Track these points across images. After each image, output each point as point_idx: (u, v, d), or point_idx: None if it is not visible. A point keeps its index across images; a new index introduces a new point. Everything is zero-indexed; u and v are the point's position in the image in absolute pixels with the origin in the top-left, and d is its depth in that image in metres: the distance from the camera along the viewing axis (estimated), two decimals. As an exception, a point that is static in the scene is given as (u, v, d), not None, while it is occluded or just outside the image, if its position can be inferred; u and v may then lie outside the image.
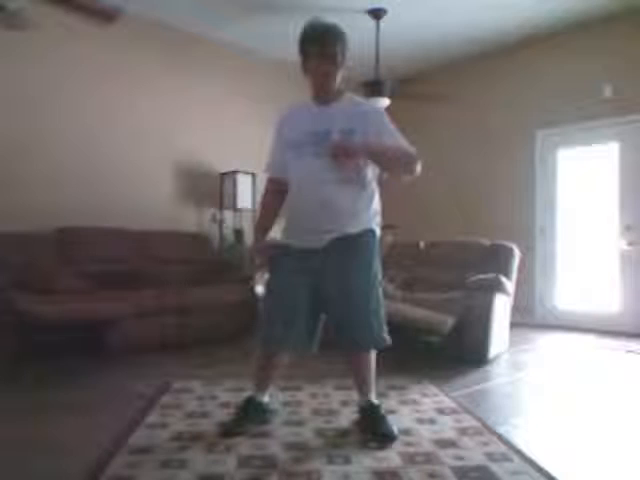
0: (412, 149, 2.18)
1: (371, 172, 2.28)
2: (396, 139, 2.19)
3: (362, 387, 2.31)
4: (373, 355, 2.30)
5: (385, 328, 2.27)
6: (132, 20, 4.97)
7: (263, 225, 2.41)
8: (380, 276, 2.30)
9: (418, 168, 2.18)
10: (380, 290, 2.28)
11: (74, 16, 3.28)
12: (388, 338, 2.27)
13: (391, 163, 2.26)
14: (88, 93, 4.81)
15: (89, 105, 4.82)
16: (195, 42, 5.52)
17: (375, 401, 2.31)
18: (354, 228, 2.20)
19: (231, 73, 5.83)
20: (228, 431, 2.23)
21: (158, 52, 5.25)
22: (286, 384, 2.91)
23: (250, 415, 2.30)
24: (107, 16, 3.34)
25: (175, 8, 4.94)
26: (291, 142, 2.26)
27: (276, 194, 2.40)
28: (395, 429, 2.19)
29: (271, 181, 2.43)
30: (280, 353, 2.33)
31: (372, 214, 2.28)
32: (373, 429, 2.19)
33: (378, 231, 2.31)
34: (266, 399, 2.39)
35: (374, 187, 2.31)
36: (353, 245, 2.20)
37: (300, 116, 2.30)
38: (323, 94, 2.25)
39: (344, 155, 2.08)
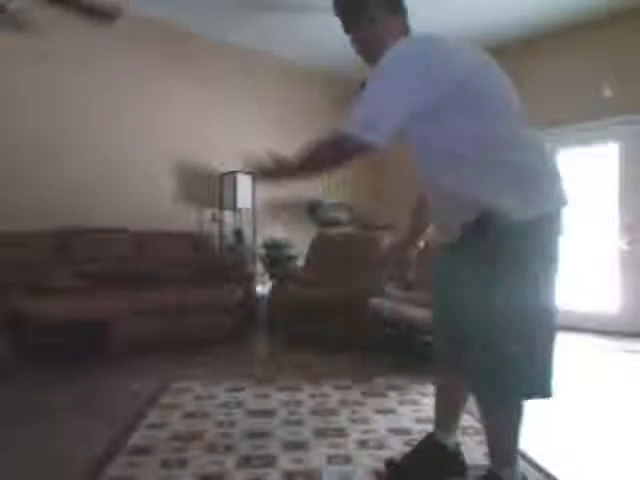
0: (337, 136, 1.52)
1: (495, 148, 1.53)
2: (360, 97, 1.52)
3: (491, 451, 1.67)
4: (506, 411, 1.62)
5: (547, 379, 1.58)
6: (134, 20, 4.97)
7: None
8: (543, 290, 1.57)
9: (342, 154, 1.56)
10: (542, 315, 1.56)
11: (74, 15, 3.28)
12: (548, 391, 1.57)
13: (301, 175, 1.70)
14: (89, 93, 4.80)
15: (90, 105, 4.82)
16: (197, 42, 5.52)
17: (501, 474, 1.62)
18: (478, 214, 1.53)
19: (232, 73, 5.83)
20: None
21: (159, 52, 5.25)
22: (285, 384, 2.92)
23: (426, 457, 1.84)
24: (107, 15, 3.35)
25: (177, 8, 4.94)
26: None
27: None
28: None
29: None
30: (452, 384, 1.84)
31: (519, 195, 1.50)
32: None
33: (525, 216, 1.50)
34: (451, 442, 1.88)
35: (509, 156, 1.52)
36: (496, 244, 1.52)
37: None
38: (370, 64, 1.68)
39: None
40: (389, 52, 1.51)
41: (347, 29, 1.77)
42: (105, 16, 3.34)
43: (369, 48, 1.72)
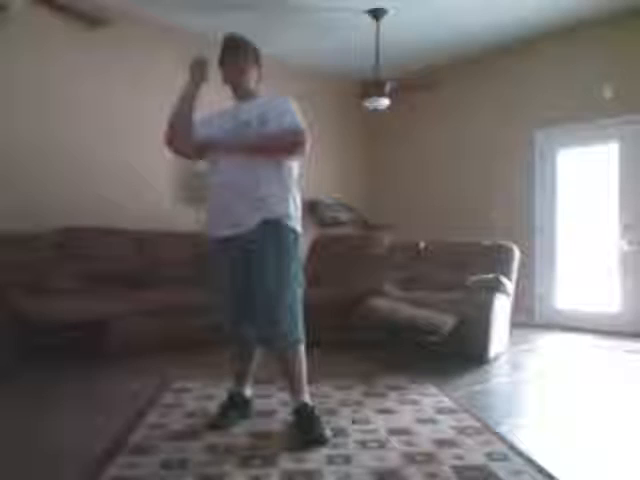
0: (301, 129, 2.26)
1: (292, 169, 2.36)
2: (293, 118, 2.29)
3: (292, 387, 2.25)
4: (298, 353, 2.23)
5: (300, 327, 2.23)
6: (131, 19, 4.97)
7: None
8: (300, 274, 2.29)
9: (306, 148, 2.27)
10: (298, 288, 2.26)
11: (59, 16, 3.29)
12: (302, 337, 2.24)
13: (275, 152, 2.31)
14: (88, 93, 4.80)
15: (89, 105, 4.81)
16: (194, 41, 5.51)
17: (309, 402, 2.23)
18: (269, 213, 2.24)
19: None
20: (215, 424, 2.30)
21: (157, 52, 5.25)
22: (286, 384, 2.91)
23: (235, 407, 2.39)
24: (91, 20, 3.37)
25: (172, 7, 4.94)
26: (214, 137, 2.45)
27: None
28: (327, 433, 2.13)
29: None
30: (243, 347, 2.43)
31: (287, 207, 2.29)
32: (304, 431, 2.12)
33: (298, 228, 2.32)
34: (247, 392, 2.48)
35: (291, 184, 2.34)
36: (267, 239, 2.23)
37: (223, 113, 2.53)
38: (240, 92, 2.48)
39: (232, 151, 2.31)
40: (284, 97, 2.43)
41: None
42: (88, 20, 3.36)
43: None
